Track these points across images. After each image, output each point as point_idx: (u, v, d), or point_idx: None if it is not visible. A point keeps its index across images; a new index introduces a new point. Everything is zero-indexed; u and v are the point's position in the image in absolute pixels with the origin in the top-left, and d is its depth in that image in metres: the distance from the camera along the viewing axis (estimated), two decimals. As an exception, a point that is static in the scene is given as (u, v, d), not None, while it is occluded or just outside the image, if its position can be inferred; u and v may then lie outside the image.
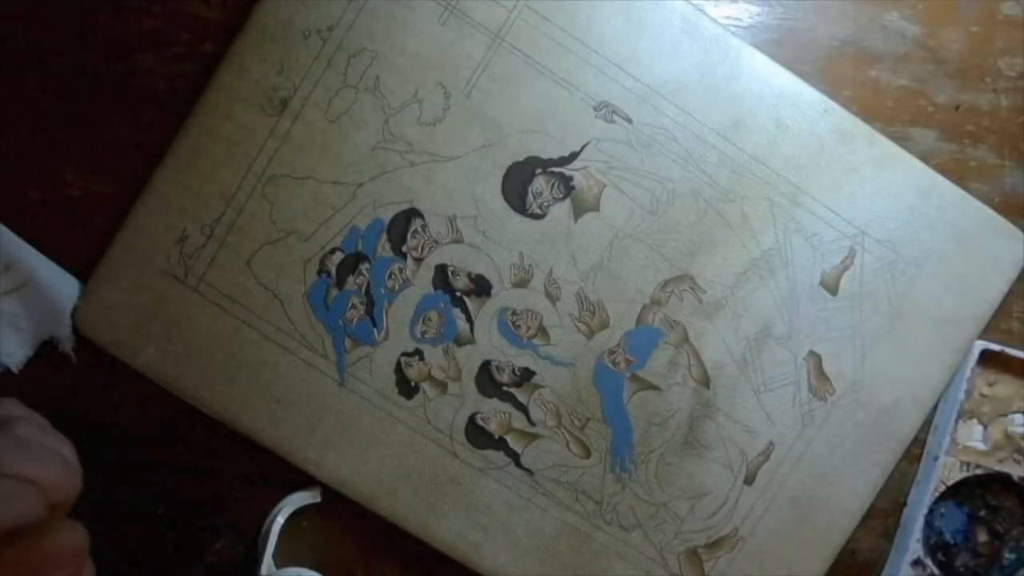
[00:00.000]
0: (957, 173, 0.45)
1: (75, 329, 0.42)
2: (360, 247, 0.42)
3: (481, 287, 0.43)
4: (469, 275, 0.43)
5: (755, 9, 0.45)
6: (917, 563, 0.45)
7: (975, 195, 0.45)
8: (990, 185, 0.46)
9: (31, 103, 0.43)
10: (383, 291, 0.43)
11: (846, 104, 0.44)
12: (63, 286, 0.42)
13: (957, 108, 0.46)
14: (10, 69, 0.43)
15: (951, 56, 0.46)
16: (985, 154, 0.46)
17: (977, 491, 0.46)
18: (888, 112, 0.46)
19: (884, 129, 0.45)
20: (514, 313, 0.43)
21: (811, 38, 0.45)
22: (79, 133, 0.43)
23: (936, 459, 0.45)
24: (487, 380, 0.43)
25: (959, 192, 0.44)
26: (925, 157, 0.45)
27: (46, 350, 0.43)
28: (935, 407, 0.46)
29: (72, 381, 0.44)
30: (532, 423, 0.43)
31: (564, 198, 0.43)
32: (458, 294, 0.43)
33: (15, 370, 0.43)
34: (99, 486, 0.43)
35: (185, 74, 0.43)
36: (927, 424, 0.46)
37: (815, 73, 0.45)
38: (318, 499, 0.43)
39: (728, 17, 0.45)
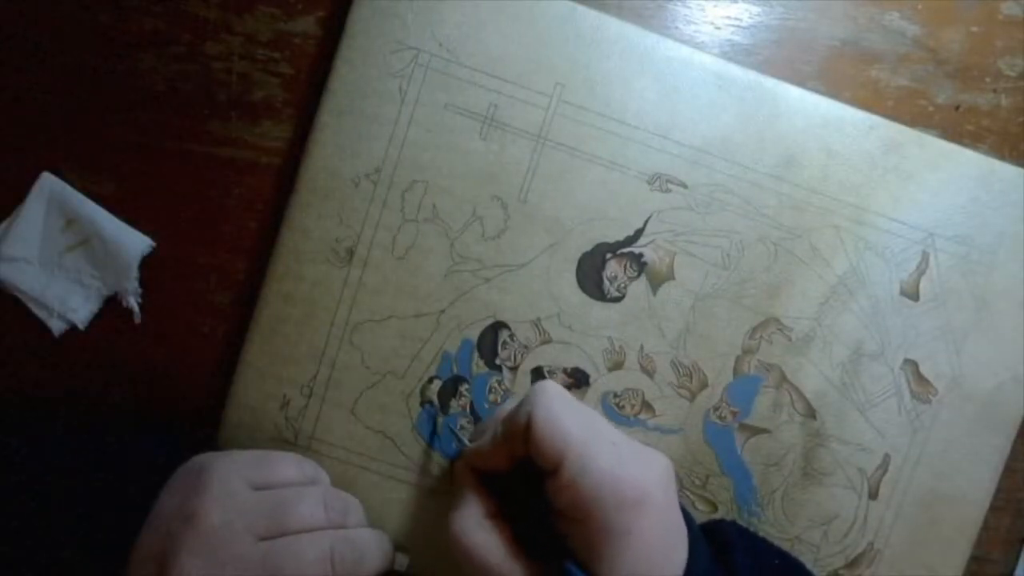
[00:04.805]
0: (959, 172, 0.45)
1: (141, 282, 0.43)
2: (455, 370, 0.43)
3: (579, 379, 0.44)
4: (565, 371, 0.44)
5: (755, 9, 0.45)
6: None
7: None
8: (990, 185, 0.46)
9: (31, 103, 0.43)
10: (487, 406, 0.43)
11: (846, 104, 0.44)
12: (127, 240, 0.42)
13: (957, 108, 0.46)
14: (10, 69, 0.43)
15: (951, 56, 0.46)
16: (985, 154, 0.46)
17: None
18: (888, 112, 0.45)
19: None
20: (616, 395, 0.44)
21: (811, 38, 0.45)
22: (79, 133, 0.43)
23: (1050, 433, 0.46)
24: (604, 465, 0.44)
25: (1018, 170, 0.44)
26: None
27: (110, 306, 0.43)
28: (1037, 383, 0.46)
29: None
30: (657, 495, 0.44)
31: (639, 275, 0.43)
32: (558, 390, 0.44)
33: (81, 326, 0.43)
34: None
35: (185, 74, 0.43)
36: (1033, 399, 0.46)
37: (815, 73, 0.45)
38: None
39: (728, 17, 0.45)
